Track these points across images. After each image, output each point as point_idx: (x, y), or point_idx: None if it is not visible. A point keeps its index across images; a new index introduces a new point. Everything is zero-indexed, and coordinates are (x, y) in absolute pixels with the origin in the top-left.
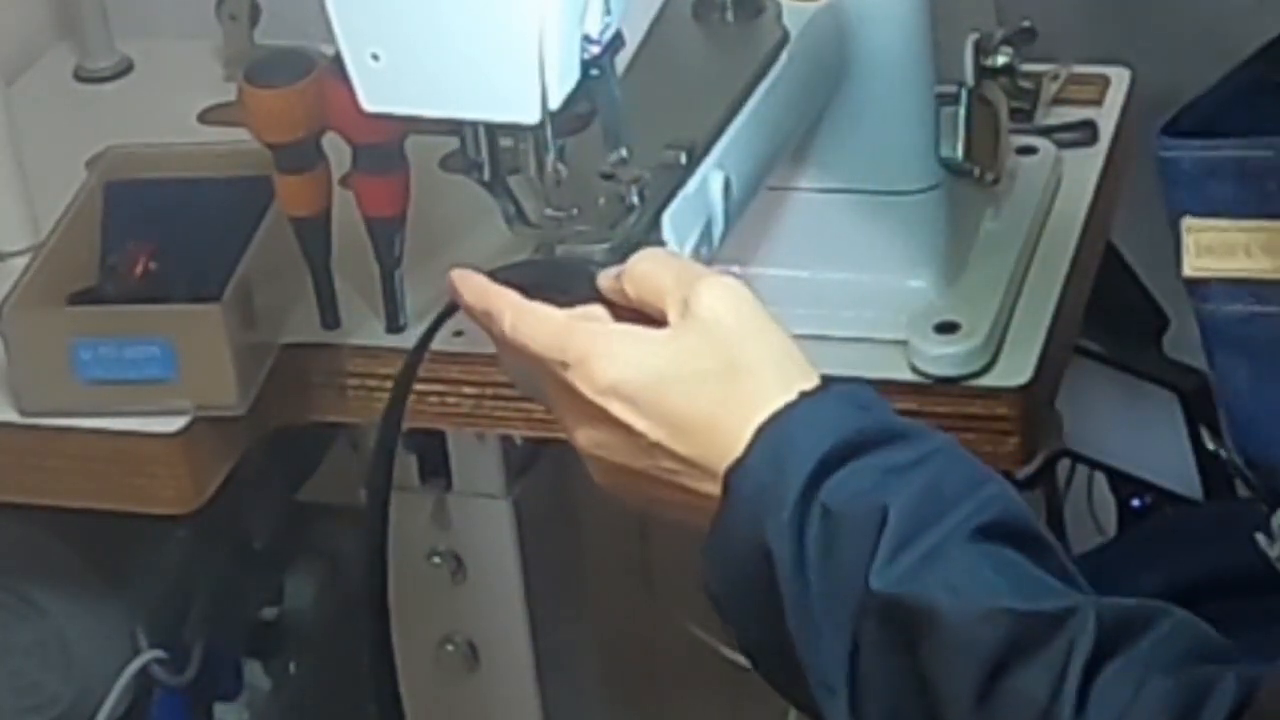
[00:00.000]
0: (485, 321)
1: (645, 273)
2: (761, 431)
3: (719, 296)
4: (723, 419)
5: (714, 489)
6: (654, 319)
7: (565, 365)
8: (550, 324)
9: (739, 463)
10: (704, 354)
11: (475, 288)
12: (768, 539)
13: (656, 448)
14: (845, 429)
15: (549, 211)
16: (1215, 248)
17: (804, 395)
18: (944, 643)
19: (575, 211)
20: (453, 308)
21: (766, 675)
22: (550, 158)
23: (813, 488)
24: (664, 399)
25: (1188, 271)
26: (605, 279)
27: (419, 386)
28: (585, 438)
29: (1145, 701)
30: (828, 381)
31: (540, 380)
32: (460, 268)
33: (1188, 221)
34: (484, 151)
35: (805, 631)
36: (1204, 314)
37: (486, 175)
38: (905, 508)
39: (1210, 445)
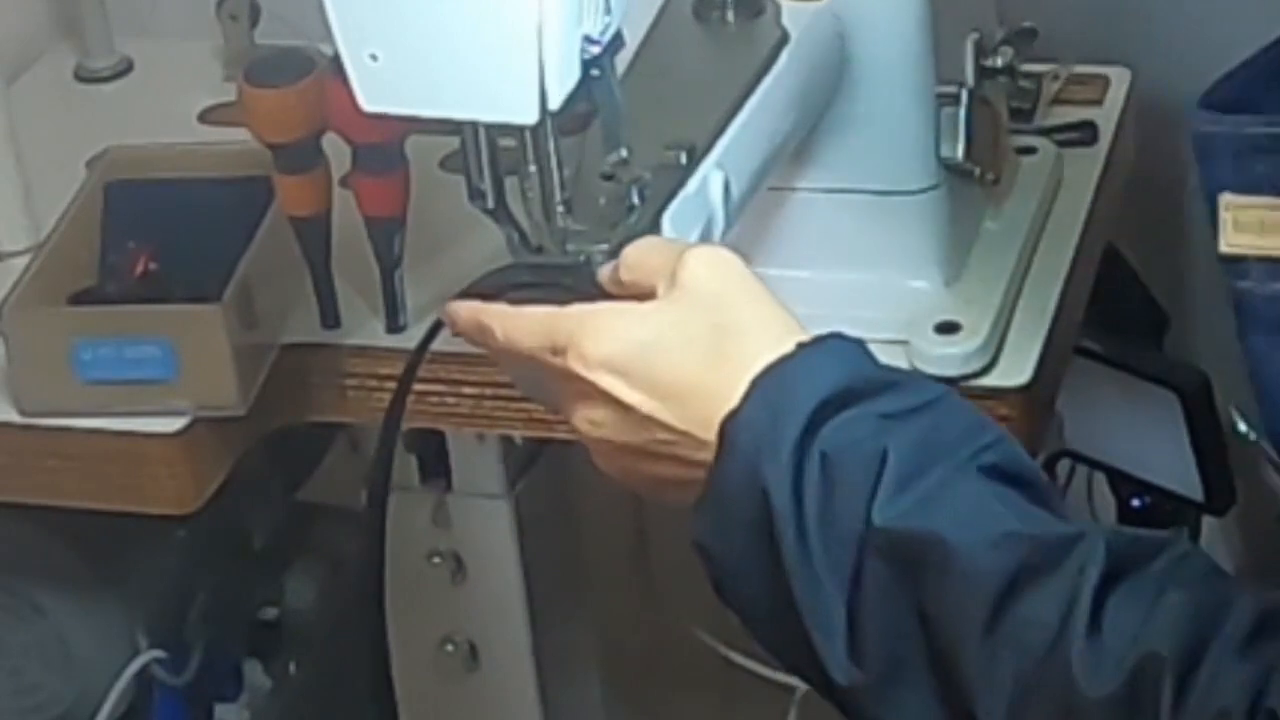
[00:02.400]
0: (482, 339)
1: (638, 258)
2: (757, 383)
3: (703, 263)
4: (713, 382)
5: (710, 455)
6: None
7: (555, 351)
8: (536, 318)
9: (734, 413)
10: (689, 320)
11: (466, 311)
12: (765, 484)
13: (650, 420)
14: (842, 377)
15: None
16: (1253, 225)
17: (800, 346)
18: (951, 573)
19: (579, 229)
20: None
21: (756, 631)
22: (550, 158)
23: (810, 433)
24: (653, 368)
25: (1224, 248)
26: (604, 272)
27: (419, 386)
28: (583, 419)
29: (1161, 618)
30: (820, 337)
31: (540, 379)
32: (453, 299)
33: (1225, 198)
34: (484, 159)
35: (803, 575)
36: (1239, 293)
37: (490, 204)
38: (905, 450)
39: (1241, 427)
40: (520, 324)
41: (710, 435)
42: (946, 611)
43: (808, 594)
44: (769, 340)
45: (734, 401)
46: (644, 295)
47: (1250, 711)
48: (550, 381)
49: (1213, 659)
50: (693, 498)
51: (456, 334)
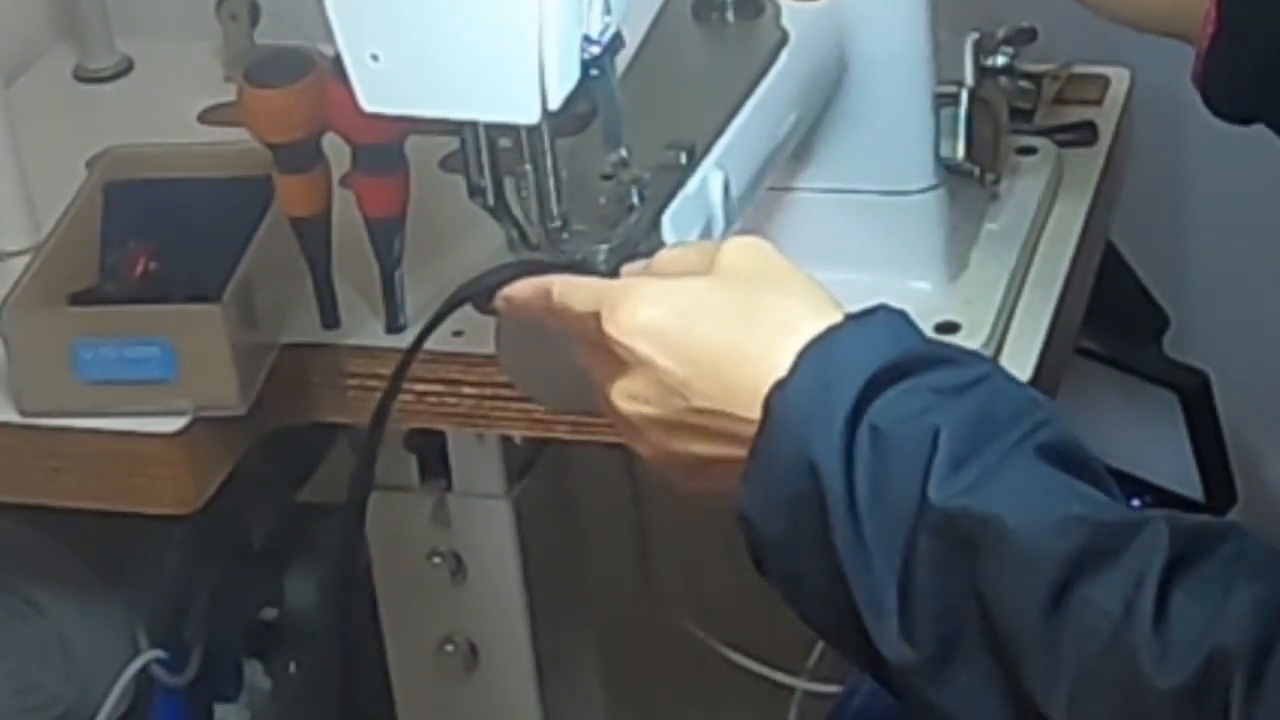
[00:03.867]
0: (534, 298)
1: (672, 256)
2: (805, 353)
3: (741, 247)
4: (751, 350)
5: (753, 419)
6: None
7: (599, 317)
8: (588, 284)
9: (782, 384)
10: (728, 291)
11: (523, 282)
12: (815, 458)
13: (687, 386)
14: (891, 350)
15: (550, 224)
16: None
17: (849, 318)
18: (1010, 554)
19: (579, 227)
20: (445, 313)
21: (800, 607)
22: (549, 158)
23: (861, 408)
24: (688, 334)
25: None
26: (632, 267)
27: (419, 386)
28: (621, 393)
29: (1230, 612)
30: (869, 310)
31: (575, 353)
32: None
33: None
34: (484, 159)
35: (853, 551)
36: None
37: (490, 201)
38: (959, 427)
39: None
40: (575, 286)
41: (750, 408)
42: (1005, 593)
43: (859, 570)
44: (809, 310)
45: (780, 371)
46: None
47: None
48: (586, 358)
49: None
50: (732, 482)
51: (445, 307)
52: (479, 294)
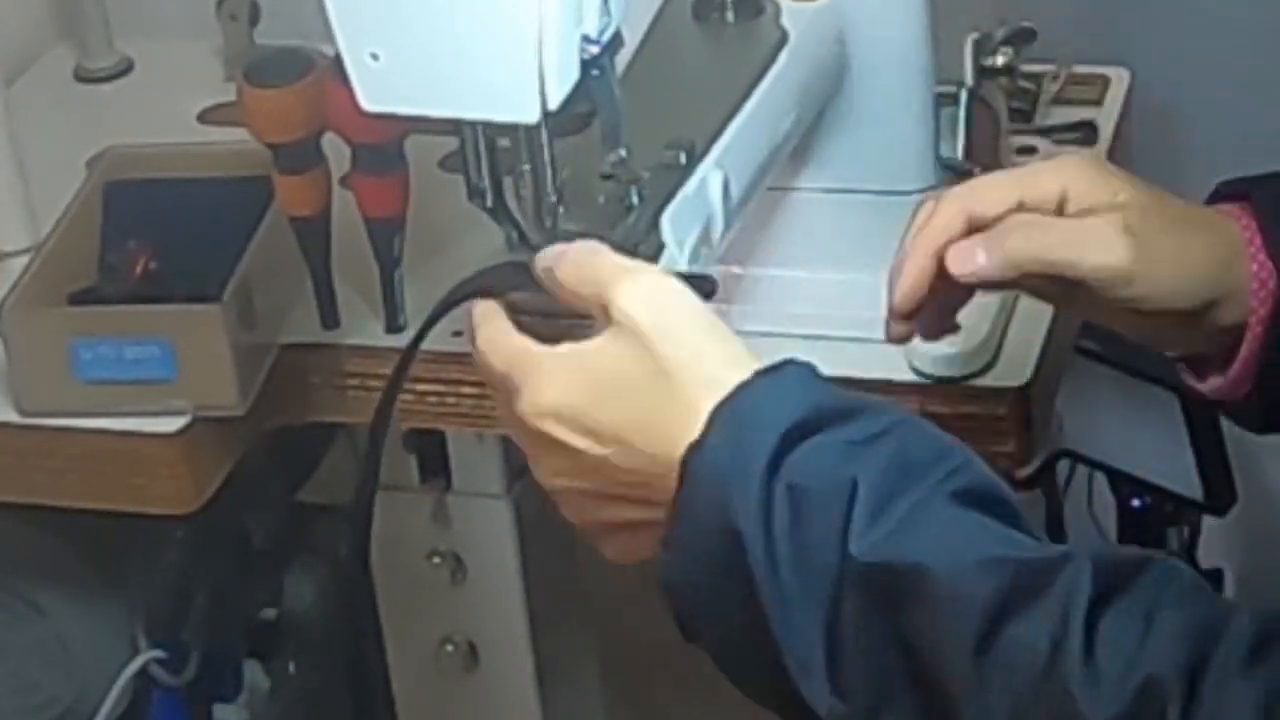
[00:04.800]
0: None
1: (567, 279)
2: (717, 413)
3: (633, 298)
4: (663, 418)
5: (665, 489)
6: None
7: (511, 393)
8: (507, 346)
9: (696, 445)
10: (632, 356)
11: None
12: (733, 519)
13: (607, 462)
14: (802, 405)
15: (547, 222)
16: None
17: (757, 374)
18: (936, 600)
19: (574, 227)
20: (440, 314)
21: (729, 669)
22: (543, 153)
23: (776, 465)
24: (601, 409)
25: None
26: (543, 270)
27: (419, 386)
28: (548, 471)
29: (1157, 639)
30: (776, 365)
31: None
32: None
33: None
34: (484, 159)
35: (778, 610)
36: None
37: (489, 202)
38: (875, 478)
39: None
40: (494, 345)
41: (672, 472)
42: (932, 639)
43: (785, 628)
44: (718, 364)
45: (693, 434)
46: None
47: None
48: (510, 426)
49: (1215, 679)
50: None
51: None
52: (472, 295)
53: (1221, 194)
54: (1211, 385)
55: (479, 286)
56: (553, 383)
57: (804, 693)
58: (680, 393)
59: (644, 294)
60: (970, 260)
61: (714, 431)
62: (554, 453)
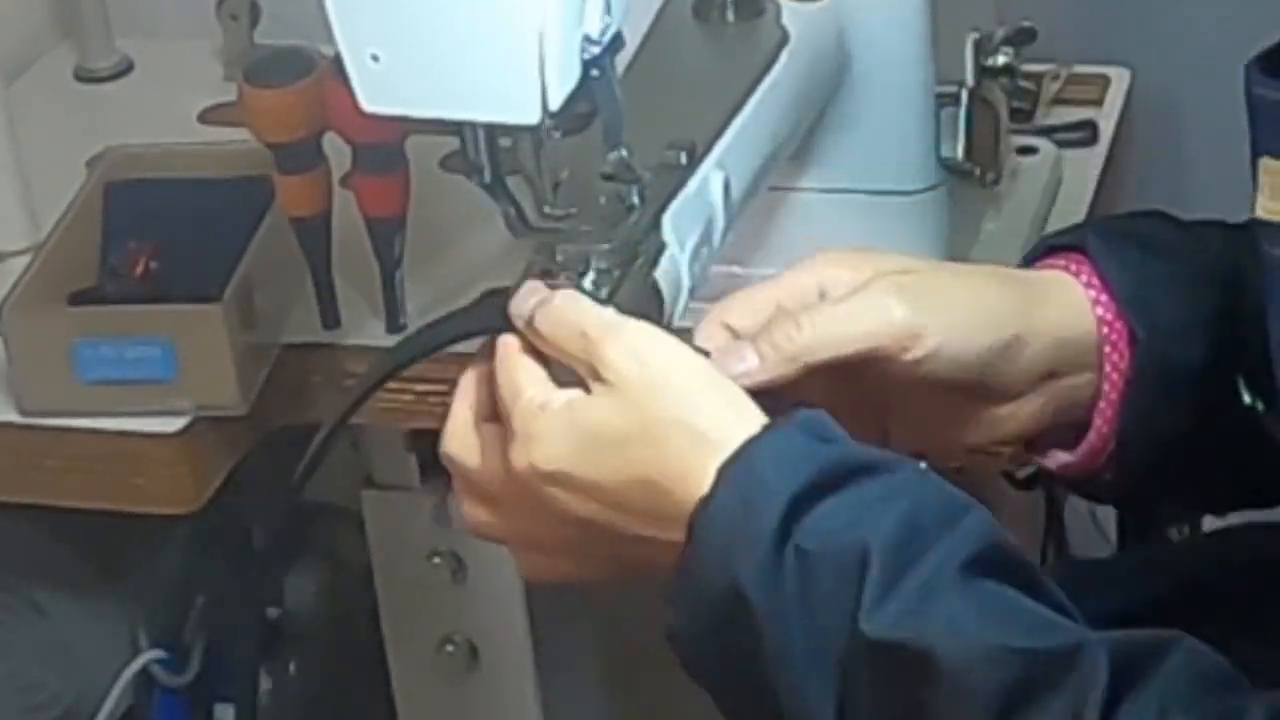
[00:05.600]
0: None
1: (549, 333)
2: (726, 469)
3: (623, 353)
4: (671, 470)
5: (674, 537)
6: None
7: (508, 439)
8: (514, 391)
9: (704, 502)
10: (629, 413)
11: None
12: (741, 583)
13: (612, 524)
14: (812, 464)
15: (548, 209)
16: None
17: (765, 429)
18: (946, 688)
19: (574, 210)
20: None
21: (731, 715)
22: (549, 158)
23: (786, 528)
24: (600, 470)
25: (1258, 213)
26: (518, 320)
27: (419, 386)
28: (546, 529)
29: None
30: (784, 418)
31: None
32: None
33: (1265, 162)
34: (484, 153)
35: (787, 677)
36: (1270, 260)
37: (487, 178)
38: (886, 545)
39: (1247, 398)
40: (505, 394)
41: (679, 529)
42: None
43: (794, 695)
44: (722, 423)
45: (698, 490)
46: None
47: None
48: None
49: None
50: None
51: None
52: (450, 342)
53: (1040, 252)
54: (1058, 460)
55: (457, 332)
56: (550, 443)
57: None
58: (679, 449)
59: (634, 348)
60: (739, 361)
61: (722, 490)
62: (553, 517)
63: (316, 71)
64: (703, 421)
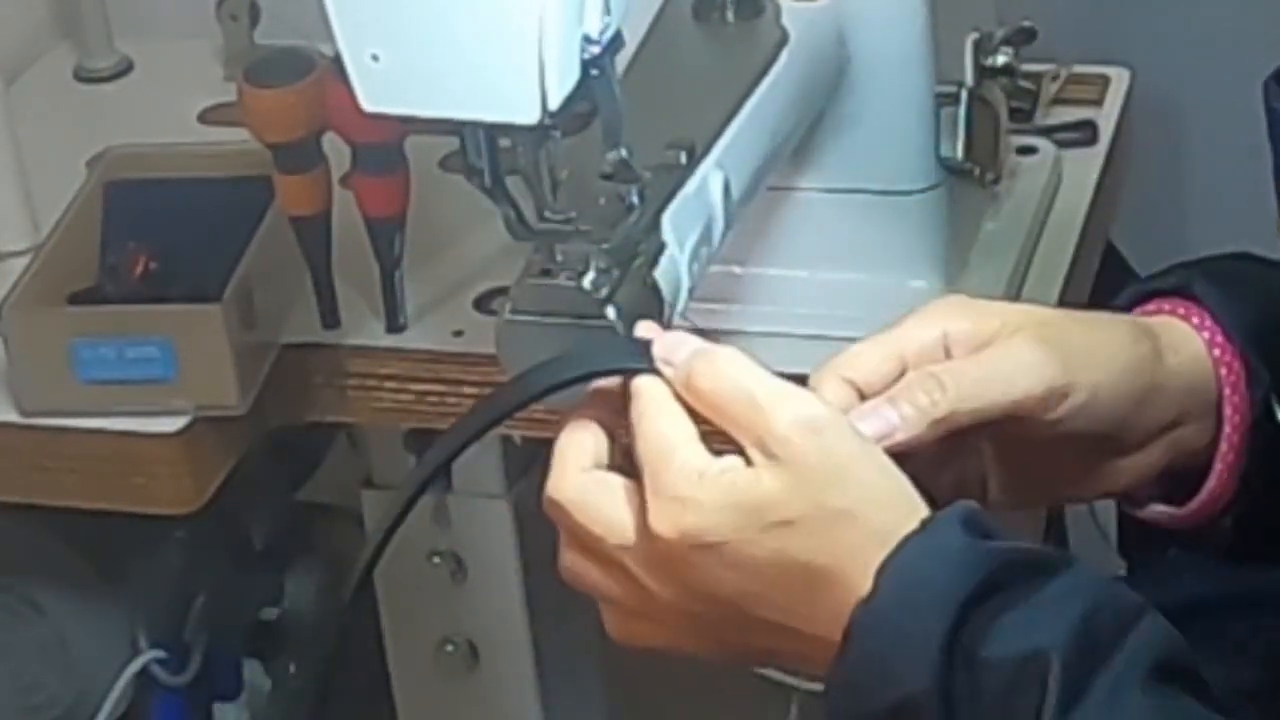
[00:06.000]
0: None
1: (709, 392)
2: (886, 568)
3: (796, 432)
4: (821, 569)
5: (823, 636)
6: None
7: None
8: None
9: (866, 601)
10: (788, 497)
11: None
12: (906, 685)
13: (736, 604)
14: (980, 563)
15: (547, 213)
16: None
17: (924, 524)
18: None
19: (574, 214)
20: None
21: None
22: (549, 158)
23: (956, 631)
24: (753, 549)
25: None
26: (666, 368)
27: (419, 386)
28: (658, 589)
29: None
30: (944, 513)
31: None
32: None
33: None
34: (484, 156)
35: None
36: None
37: (488, 181)
38: (1064, 654)
39: None
40: (640, 441)
41: (823, 623)
42: None
43: None
44: (889, 517)
45: (861, 589)
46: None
47: None
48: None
49: None
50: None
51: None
52: (584, 377)
53: (1139, 297)
54: (1162, 511)
55: (596, 367)
56: (706, 510)
57: None
58: (850, 544)
59: (811, 424)
60: (880, 422)
61: (884, 589)
62: (681, 579)
63: (316, 71)
64: (878, 519)
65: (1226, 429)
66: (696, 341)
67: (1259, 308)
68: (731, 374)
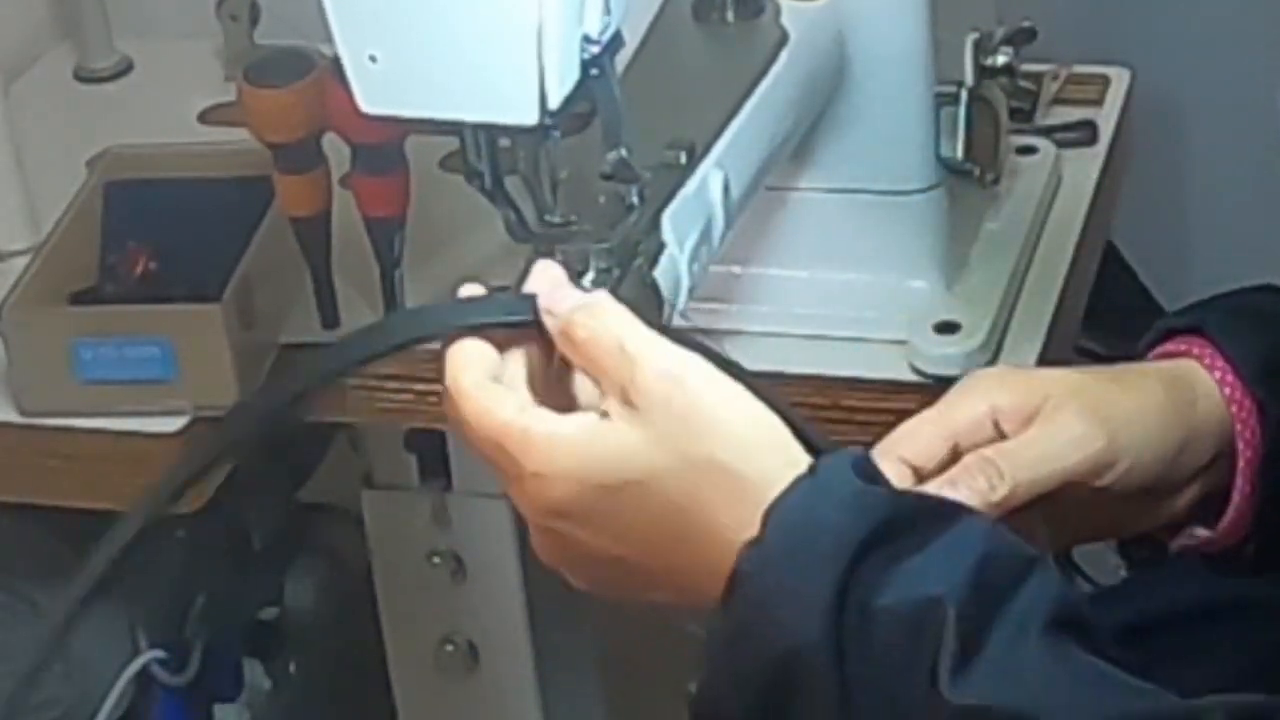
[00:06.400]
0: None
1: (583, 341)
2: (774, 509)
3: (657, 382)
4: (694, 521)
5: (706, 591)
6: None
7: (508, 480)
8: (485, 426)
9: (753, 545)
10: (659, 447)
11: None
12: (796, 639)
13: (622, 561)
14: (874, 507)
15: (547, 217)
16: None
17: (812, 468)
18: None
19: (574, 217)
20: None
21: None
22: (549, 158)
23: (846, 583)
24: (622, 508)
25: None
26: (549, 318)
27: (419, 386)
28: (558, 559)
29: None
30: (829, 458)
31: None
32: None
33: None
34: (484, 158)
35: None
36: None
37: (487, 183)
38: (962, 602)
39: None
40: (474, 429)
41: (709, 574)
42: None
43: None
44: (768, 462)
45: (743, 535)
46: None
47: None
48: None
49: None
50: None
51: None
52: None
53: (1158, 337)
54: (1191, 538)
55: (478, 319)
56: (561, 476)
57: None
58: (724, 486)
59: (672, 375)
60: None
61: (772, 533)
62: (564, 545)
63: (316, 71)
64: (749, 467)
65: (1240, 463)
66: (582, 295)
67: (1266, 340)
68: (606, 325)
